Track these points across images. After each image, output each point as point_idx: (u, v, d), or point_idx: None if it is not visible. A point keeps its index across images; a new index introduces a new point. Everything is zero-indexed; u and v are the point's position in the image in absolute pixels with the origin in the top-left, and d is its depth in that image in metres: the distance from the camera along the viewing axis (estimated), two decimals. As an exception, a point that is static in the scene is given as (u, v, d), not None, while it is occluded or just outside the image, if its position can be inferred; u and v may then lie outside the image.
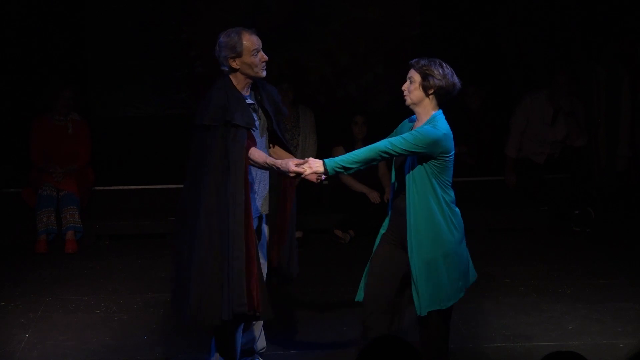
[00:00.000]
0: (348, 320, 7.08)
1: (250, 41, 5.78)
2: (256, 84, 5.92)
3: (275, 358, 6.45)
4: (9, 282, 8.09)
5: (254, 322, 6.15)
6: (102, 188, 9.86)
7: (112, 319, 7.30)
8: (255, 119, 5.83)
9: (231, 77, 5.84)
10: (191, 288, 5.63)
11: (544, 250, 8.90)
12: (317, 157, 9.64)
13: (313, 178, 5.50)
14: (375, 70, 10.71)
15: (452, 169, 5.46)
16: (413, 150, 5.33)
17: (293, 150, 6.23)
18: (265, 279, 5.93)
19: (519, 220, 9.61)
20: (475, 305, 7.44)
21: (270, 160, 5.67)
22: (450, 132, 5.42)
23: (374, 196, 9.32)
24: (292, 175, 5.53)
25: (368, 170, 9.34)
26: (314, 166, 5.44)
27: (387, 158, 5.44)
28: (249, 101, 5.85)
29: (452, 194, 5.50)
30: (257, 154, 5.66)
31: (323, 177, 5.58)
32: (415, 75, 5.45)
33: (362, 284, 5.75)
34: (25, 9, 10.23)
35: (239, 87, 5.83)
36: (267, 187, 6.01)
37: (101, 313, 7.42)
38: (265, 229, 6.07)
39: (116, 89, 10.59)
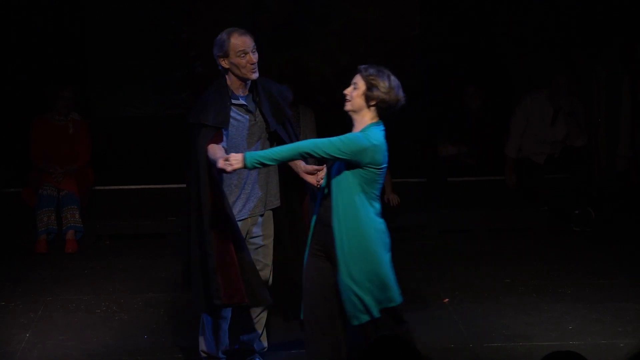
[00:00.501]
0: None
1: (237, 41, 5.76)
2: (256, 85, 5.90)
3: (275, 358, 6.44)
4: (9, 282, 8.09)
5: (255, 320, 6.16)
6: (102, 188, 9.86)
7: (112, 318, 7.30)
8: (243, 120, 5.82)
9: (226, 76, 5.84)
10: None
11: (544, 250, 8.90)
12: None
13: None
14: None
15: (380, 182, 5.34)
16: (337, 155, 5.22)
17: None
18: (269, 273, 6.01)
19: (519, 220, 9.60)
20: (475, 305, 7.45)
21: (209, 156, 5.60)
22: (383, 145, 5.28)
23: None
24: (219, 171, 5.41)
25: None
26: (233, 161, 5.30)
27: (308, 158, 5.39)
28: (240, 102, 5.82)
29: (378, 206, 5.39)
30: (210, 150, 5.59)
31: (321, 181, 5.60)
32: (360, 83, 5.35)
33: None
34: (25, 9, 10.23)
35: (233, 87, 5.83)
36: (265, 187, 5.99)
37: (101, 313, 7.42)
38: (259, 229, 6.06)
39: (116, 89, 10.59)
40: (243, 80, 5.82)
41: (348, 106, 5.41)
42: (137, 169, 10.19)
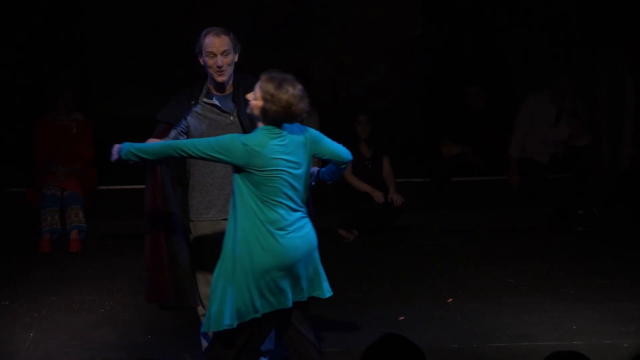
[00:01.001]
0: (351, 319, 7.09)
1: (208, 42, 5.77)
2: (238, 85, 5.88)
3: (279, 358, 6.45)
4: (12, 282, 8.10)
5: None
6: (105, 188, 9.86)
7: (116, 318, 7.31)
8: (218, 119, 5.84)
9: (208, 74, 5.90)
10: None
11: (546, 250, 8.90)
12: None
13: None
14: (377, 70, 10.72)
15: (274, 187, 5.22)
16: (212, 154, 5.20)
17: None
18: None
19: (522, 220, 9.62)
20: (478, 305, 7.45)
21: None
22: (262, 150, 5.19)
23: (377, 195, 9.33)
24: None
25: (372, 170, 9.45)
26: (114, 151, 5.40)
27: (186, 156, 5.34)
28: (212, 101, 5.84)
29: (272, 215, 5.24)
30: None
31: (313, 183, 5.59)
32: (257, 93, 5.26)
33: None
34: (26, 9, 10.24)
35: (211, 85, 5.86)
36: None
37: (105, 312, 7.43)
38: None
39: (117, 89, 10.61)
40: (213, 80, 5.84)
41: (248, 109, 5.36)
42: (140, 169, 10.18)
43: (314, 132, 5.46)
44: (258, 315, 5.29)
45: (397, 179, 9.53)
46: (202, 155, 5.24)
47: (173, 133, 5.80)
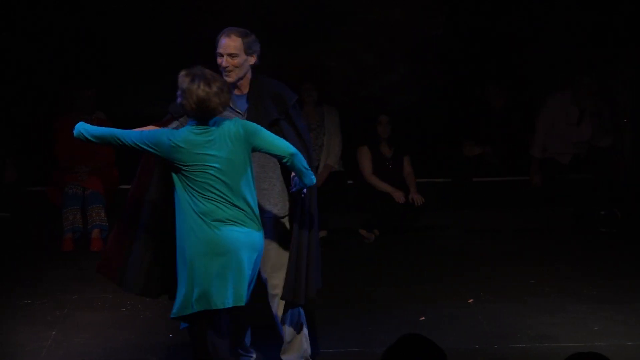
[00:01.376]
0: (372, 320, 7.09)
1: (219, 42, 5.80)
2: (253, 85, 5.88)
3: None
4: (35, 280, 8.13)
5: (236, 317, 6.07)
6: (126, 187, 9.86)
7: (137, 317, 7.33)
8: (232, 117, 5.79)
9: None
10: None
11: (568, 251, 8.88)
12: (343, 157, 9.70)
13: None
14: (398, 70, 10.70)
15: (203, 181, 5.34)
16: (142, 146, 5.40)
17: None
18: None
19: (544, 220, 9.59)
20: (500, 305, 7.43)
21: None
22: (186, 145, 5.32)
23: (398, 195, 9.32)
24: None
25: (393, 170, 9.44)
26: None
27: (122, 145, 5.46)
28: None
29: (204, 207, 5.35)
30: None
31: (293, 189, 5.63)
32: (179, 89, 5.44)
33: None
34: (47, 9, 10.28)
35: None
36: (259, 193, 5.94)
37: (126, 311, 7.45)
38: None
39: (139, 88, 10.62)
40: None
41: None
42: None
43: (250, 126, 5.47)
44: (194, 310, 5.42)
45: (418, 179, 9.52)
46: (135, 145, 5.42)
47: (174, 124, 5.82)
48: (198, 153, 5.34)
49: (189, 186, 5.37)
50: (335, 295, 7.65)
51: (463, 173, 9.86)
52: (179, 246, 5.46)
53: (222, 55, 5.79)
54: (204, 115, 5.36)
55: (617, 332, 6.89)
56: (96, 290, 7.85)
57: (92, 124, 5.80)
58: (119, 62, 10.52)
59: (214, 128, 5.39)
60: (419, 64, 10.55)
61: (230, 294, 5.39)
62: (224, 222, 5.37)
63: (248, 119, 5.77)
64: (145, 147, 5.40)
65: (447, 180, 10.01)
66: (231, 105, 5.79)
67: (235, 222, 5.39)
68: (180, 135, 5.37)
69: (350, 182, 9.70)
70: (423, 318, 7.20)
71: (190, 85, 5.33)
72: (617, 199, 9.65)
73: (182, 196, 5.40)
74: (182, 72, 5.41)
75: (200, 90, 5.30)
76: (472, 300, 7.57)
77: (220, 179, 5.36)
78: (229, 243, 5.36)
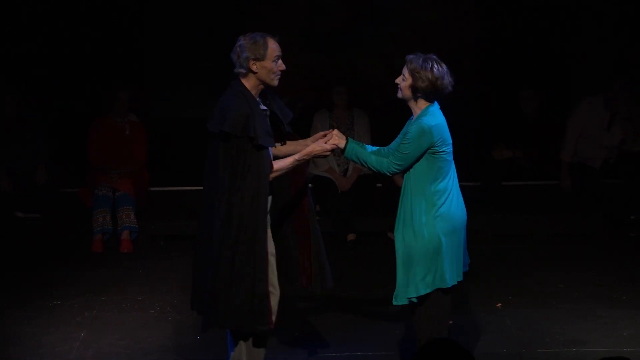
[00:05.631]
0: (400, 323, 7.08)
1: (274, 46, 5.71)
2: (265, 93, 5.81)
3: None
4: (65, 281, 8.18)
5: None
6: (157, 189, 9.93)
7: (166, 318, 7.36)
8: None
9: (243, 80, 5.76)
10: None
11: (599, 256, 8.83)
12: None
13: (324, 149, 5.71)
14: (431, 74, 10.68)
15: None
16: (416, 154, 5.80)
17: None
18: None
19: (574, 225, 9.54)
20: (529, 310, 7.41)
21: (297, 155, 5.72)
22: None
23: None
24: (329, 149, 5.75)
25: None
26: (338, 137, 5.78)
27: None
28: (261, 107, 5.74)
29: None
30: (279, 164, 5.68)
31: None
32: (406, 74, 5.74)
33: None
34: (83, 13, 10.34)
35: (252, 92, 5.72)
36: None
37: (155, 313, 7.48)
38: None
39: (173, 91, 10.66)
40: (265, 85, 5.73)
41: (399, 94, 5.82)
42: (193, 170, 10.25)
43: None
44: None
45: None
46: (406, 165, 5.98)
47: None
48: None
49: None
50: (364, 298, 7.66)
51: (493, 177, 9.82)
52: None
53: (279, 59, 5.72)
54: (441, 97, 5.72)
55: (647, 338, 6.86)
56: (125, 292, 7.90)
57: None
58: (157, 64, 10.58)
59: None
60: (452, 68, 10.53)
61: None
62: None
63: (272, 118, 5.79)
64: (419, 152, 5.82)
65: (476, 184, 9.97)
66: (266, 107, 5.78)
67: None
68: (435, 121, 5.73)
69: (379, 185, 9.69)
70: (452, 322, 7.18)
71: (435, 73, 5.68)
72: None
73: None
74: (419, 64, 5.77)
75: (444, 76, 5.67)
76: (500, 304, 7.55)
77: None
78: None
